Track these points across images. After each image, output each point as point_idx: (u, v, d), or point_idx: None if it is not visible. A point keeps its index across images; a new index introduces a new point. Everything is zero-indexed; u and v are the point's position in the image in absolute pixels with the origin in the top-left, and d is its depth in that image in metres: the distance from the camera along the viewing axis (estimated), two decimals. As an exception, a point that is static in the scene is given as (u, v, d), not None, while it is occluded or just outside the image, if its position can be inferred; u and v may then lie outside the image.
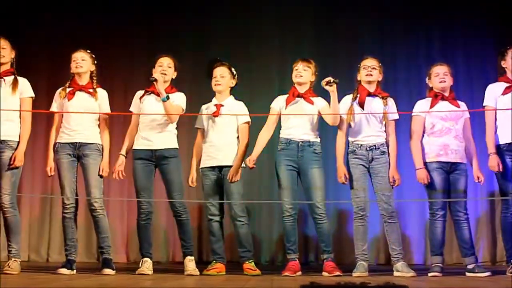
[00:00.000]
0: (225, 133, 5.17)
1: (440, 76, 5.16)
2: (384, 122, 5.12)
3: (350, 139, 5.15)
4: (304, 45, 7.13)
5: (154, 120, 5.10)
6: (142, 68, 6.31)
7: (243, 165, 5.13)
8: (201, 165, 5.22)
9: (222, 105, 5.19)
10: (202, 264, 5.48)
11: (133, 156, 5.14)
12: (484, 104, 5.09)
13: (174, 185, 5.08)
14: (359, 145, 5.09)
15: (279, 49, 7.22)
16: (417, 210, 6.84)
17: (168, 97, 5.00)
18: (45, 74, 6.98)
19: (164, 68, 5.15)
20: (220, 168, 5.15)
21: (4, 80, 5.00)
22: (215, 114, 5.16)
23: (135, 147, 5.15)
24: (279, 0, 7.26)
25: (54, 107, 5.17)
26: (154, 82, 5.02)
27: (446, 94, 5.17)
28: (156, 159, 5.09)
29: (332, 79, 4.91)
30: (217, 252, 5.16)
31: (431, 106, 5.14)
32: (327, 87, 4.94)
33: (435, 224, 5.07)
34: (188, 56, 6.91)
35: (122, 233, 6.96)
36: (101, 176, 5.06)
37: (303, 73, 5.16)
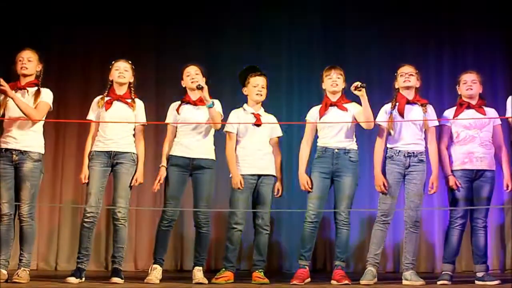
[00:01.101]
0: (264, 143, 5.22)
1: (468, 83, 5.15)
2: (424, 129, 5.12)
3: (388, 145, 5.14)
4: (313, 53, 7.12)
5: (195, 128, 5.12)
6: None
7: None
8: (239, 172, 5.18)
9: (260, 115, 5.23)
10: (209, 272, 5.48)
11: (169, 162, 5.14)
12: (507, 116, 5.07)
13: (203, 196, 5.09)
14: (398, 151, 5.08)
15: (287, 56, 7.22)
16: (427, 219, 6.81)
17: (213, 104, 5.01)
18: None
19: (193, 76, 5.18)
20: (259, 176, 5.17)
21: (27, 91, 5.03)
22: (258, 123, 5.18)
23: (172, 153, 5.15)
24: (289, 6, 7.25)
25: (91, 116, 5.18)
26: (200, 90, 5.01)
27: (473, 102, 5.15)
28: (193, 167, 5.10)
29: (360, 83, 4.90)
30: (230, 260, 5.14)
31: (456, 115, 5.14)
32: (356, 92, 4.93)
33: (453, 233, 5.06)
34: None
35: (130, 241, 6.92)
36: (131, 187, 5.06)
37: (338, 82, 5.16)
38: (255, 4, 7.16)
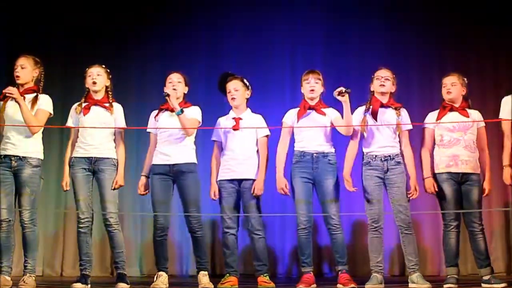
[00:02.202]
0: (245, 147, 5.18)
1: (447, 86, 5.14)
2: (397, 133, 5.11)
3: (364, 150, 5.14)
4: (315, 56, 7.14)
5: (171, 135, 5.12)
6: (155, 85, 6.34)
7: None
8: (220, 178, 5.21)
9: (240, 119, 5.21)
10: (215, 277, 5.48)
11: (151, 171, 5.15)
12: (500, 117, 5.03)
13: (191, 200, 5.08)
14: (374, 156, 5.07)
15: (290, 59, 7.23)
16: (430, 221, 6.80)
17: (182, 111, 5.02)
18: (59, 90, 6.99)
19: (174, 84, 5.17)
20: (240, 181, 5.16)
21: (24, 98, 5.03)
22: (235, 128, 5.17)
23: (153, 162, 5.16)
24: (290, 9, 7.27)
25: (69, 122, 5.19)
26: (167, 97, 5.05)
27: (457, 104, 5.13)
28: (174, 173, 5.09)
29: (344, 89, 4.89)
30: (230, 266, 5.15)
31: (439, 118, 5.12)
32: (339, 97, 4.92)
33: (449, 235, 5.04)
34: (200, 69, 6.97)
35: (135, 247, 6.96)
36: (114, 189, 5.07)
37: (316, 87, 5.16)
38: (253, 7, 7.19)
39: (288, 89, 7.12)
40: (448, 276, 5.02)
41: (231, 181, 5.16)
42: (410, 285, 4.96)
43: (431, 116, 5.19)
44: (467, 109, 5.13)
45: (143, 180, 5.21)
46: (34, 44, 6.78)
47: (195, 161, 5.17)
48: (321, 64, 6.79)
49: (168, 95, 5.05)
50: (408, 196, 5.05)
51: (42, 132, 5.12)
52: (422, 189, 5.12)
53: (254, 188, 5.09)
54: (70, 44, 7.15)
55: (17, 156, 4.95)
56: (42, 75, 5.16)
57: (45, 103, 5.08)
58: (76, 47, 7.13)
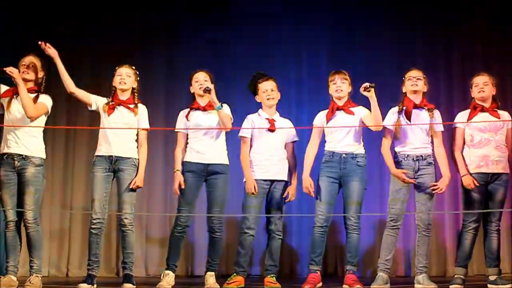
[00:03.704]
0: (278, 148, 5.19)
1: (479, 86, 5.13)
2: (430, 134, 5.11)
3: (396, 149, 5.13)
4: (321, 56, 7.13)
5: (207, 134, 5.13)
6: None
7: None
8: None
9: (274, 120, 5.22)
10: (220, 277, 5.47)
11: (184, 169, 5.14)
12: None
13: (218, 201, 5.10)
14: (406, 156, 5.07)
15: (297, 60, 7.23)
16: (437, 222, 6.78)
17: (222, 106, 5.04)
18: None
19: (202, 82, 5.18)
20: (272, 181, 5.16)
21: None
22: (272, 129, 5.18)
23: (186, 159, 5.15)
24: (296, 10, 7.27)
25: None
26: (207, 93, 5.04)
27: (487, 104, 5.12)
28: (207, 173, 5.11)
29: (368, 84, 4.89)
30: (241, 265, 5.14)
31: (469, 118, 5.11)
32: (365, 93, 4.92)
33: (465, 236, 5.04)
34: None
35: (141, 247, 6.94)
36: (133, 190, 5.06)
37: (342, 87, 5.15)
38: (263, 11, 7.18)
39: (293, 93, 7.09)
40: (455, 276, 5.03)
41: (264, 181, 5.15)
42: (416, 285, 4.96)
43: (462, 116, 5.18)
44: (497, 110, 5.12)
45: (180, 176, 5.12)
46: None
47: (227, 162, 5.18)
48: (326, 68, 6.76)
49: (209, 89, 5.04)
50: (432, 189, 5.00)
51: (47, 132, 5.12)
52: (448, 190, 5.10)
53: (287, 193, 5.14)
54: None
55: (20, 155, 4.94)
56: (44, 79, 5.16)
57: (46, 100, 5.07)
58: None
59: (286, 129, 5.23)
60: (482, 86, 5.11)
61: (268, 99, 5.25)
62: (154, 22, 7.18)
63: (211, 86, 5.08)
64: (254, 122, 5.24)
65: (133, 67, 5.23)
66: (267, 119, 5.22)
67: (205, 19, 7.16)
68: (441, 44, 7.09)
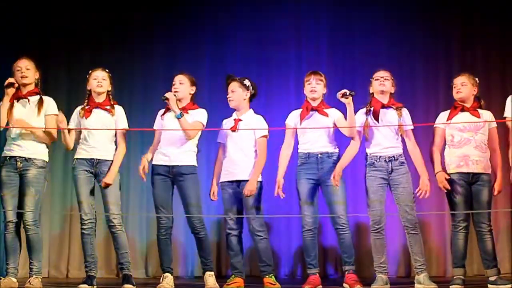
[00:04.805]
0: (242, 148, 5.17)
1: (457, 87, 5.13)
2: (400, 133, 5.10)
3: (368, 151, 5.13)
4: (321, 57, 7.13)
5: (174, 136, 5.12)
6: (161, 86, 6.36)
7: (259, 179, 5.14)
8: (220, 180, 5.24)
9: (240, 120, 5.21)
10: (221, 278, 5.48)
11: (152, 172, 5.17)
12: (505, 116, 5.02)
13: (191, 201, 5.08)
14: (378, 157, 5.06)
15: (296, 60, 7.23)
16: (436, 222, 6.79)
17: (182, 114, 5.04)
18: (63, 92, 6.99)
19: (176, 86, 5.19)
20: (238, 182, 5.15)
21: (28, 100, 5.06)
22: (232, 129, 5.17)
23: (154, 162, 5.18)
24: (296, 9, 7.27)
25: (71, 125, 5.19)
26: (166, 101, 5.08)
27: (468, 104, 5.12)
28: (173, 175, 5.10)
29: (348, 91, 4.90)
30: (235, 267, 5.16)
31: (449, 118, 5.11)
32: (343, 100, 4.93)
33: (457, 236, 5.03)
34: (206, 70, 6.98)
35: (141, 248, 6.96)
36: (105, 187, 5.00)
37: (317, 88, 5.16)
38: (261, 6, 7.19)
39: (293, 91, 7.09)
40: (455, 277, 5.01)
41: (231, 182, 5.16)
42: (416, 285, 4.95)
43: (442, 116, 5.18)
44: (478, 110, 5.11)
45: (145, 161, 5.14)
46: (35, 46, 6.78)
47: (195, 163, 5.17)
48: (326, 66, 6.78)
49: (167, 99, 5.07)
50: (418, 195, 5.02)
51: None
52: (432, 189, 5.09)
53: (246, 189, 5.06)
54: (73, 45, 7.12)
55: (22, 157, 4.97)
56: (40, 79, 5.17)
57: (52, 107, 5.10)
58: (79, 49, 7.10)
59: (252, 126, 5.17)
60: (460, 86, 5.10)
61: (229, 101, 5.26)
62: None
63: (169, 94, 5.09)
64: (223, 125, 5.27)
65: (107, 70, 5.23)
66: (234, 119, 5.23)
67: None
68: (441, 44, 7.08)
